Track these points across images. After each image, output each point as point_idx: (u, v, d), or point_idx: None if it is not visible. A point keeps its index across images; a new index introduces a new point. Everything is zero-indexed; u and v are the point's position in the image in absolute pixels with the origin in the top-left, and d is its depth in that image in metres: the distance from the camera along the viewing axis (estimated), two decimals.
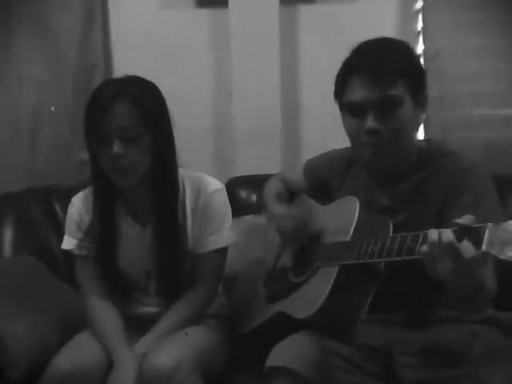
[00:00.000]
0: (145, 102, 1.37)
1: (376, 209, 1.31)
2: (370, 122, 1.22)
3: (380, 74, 1.21)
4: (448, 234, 0.97)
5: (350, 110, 1.27)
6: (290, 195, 1.60)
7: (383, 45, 1.28)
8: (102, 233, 1.48)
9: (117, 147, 1.35)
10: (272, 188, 1.61)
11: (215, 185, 1.51)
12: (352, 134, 1.29)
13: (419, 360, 1.20)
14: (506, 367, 1.09)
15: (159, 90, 1.44)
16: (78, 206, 1.52)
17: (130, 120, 1.35)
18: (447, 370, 1.15)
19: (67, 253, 1.55)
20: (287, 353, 1.19)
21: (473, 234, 0.95)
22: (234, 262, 1.57)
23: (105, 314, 1.46)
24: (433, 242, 0.98)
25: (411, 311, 1.28)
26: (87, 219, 1.50)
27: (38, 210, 2.04)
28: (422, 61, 1.32)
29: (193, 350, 1.33)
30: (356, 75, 1.24)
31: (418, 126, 1.32)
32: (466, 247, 0.94)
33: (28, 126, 2.28)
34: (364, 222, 1.25)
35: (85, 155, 2.19)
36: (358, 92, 1.24)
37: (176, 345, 1.33)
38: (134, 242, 1.49)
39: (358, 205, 1.27)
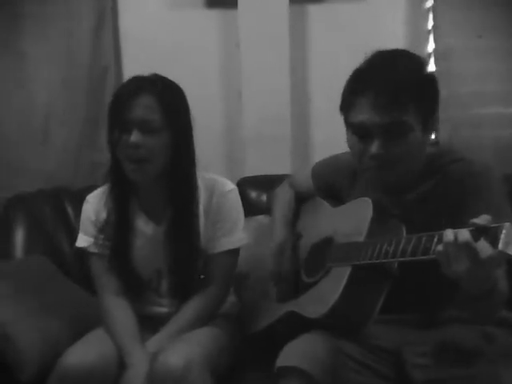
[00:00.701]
0: (167, 97, 1.40)
1: (388, 213, 1.31)
2: (375, 148, 1.19)
3: (388, 99, 1.15)
4: (464, 234, 0.96)
5: (356, 131, 1.23)
6: (300, 200, 1.62)
7: (394, 63, 1.20)
8: (117, 230, 1.49)
9: (135, 136, 1.37)
10: (281, 196, 1.63)
11: (228, 186, 1.52)
12: (356, 155, 1.26)
13: (431, 360, 1.20)
14: None
15: (182, 90, 1.46)
16: (94, 204, 1.53)
17: (151, 113, 1.38)
18: (458, 370, 1.14)
19: (79, 252, 1.57)
20: (298, 353, 1.18)
21: (489, 234, 0.94)
22: (245, 261, 1.57)
23: (119, 312, 1.47)
24: (449, 242, 0.98)
25: (423, 311, 1.28)
26: (102, 216, 1.51)
27: (48, 211, 2.06)
28: (435, 76, 1.24)
29: (203, 349, 1.33)
30: (363, 96, 1.19)
31: (426, 146, 1.26)
32: (483, 247, 0.94)
33: (40, 128, 2.29)
34: (378, 223, 1.24)
35: (96, 157, 2.25)
36: (364, 115, 1.19)
37: (186, 344, 1.34)
38: (148, 239, 1.50)
39: (371, 206, 1.26)
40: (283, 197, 1.63)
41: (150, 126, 1.38)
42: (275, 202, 1.63)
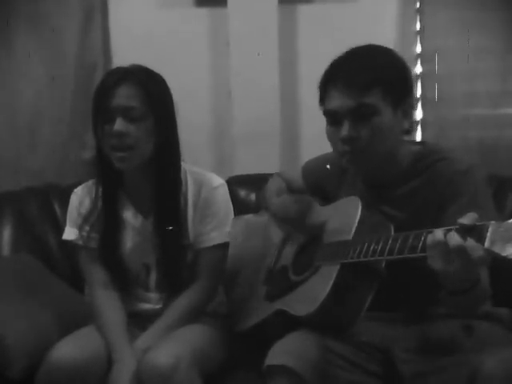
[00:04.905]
0: (150, 86, 1.41)
1: (376, 212, 1.32)
2: (345, 131, 1.24)
3: (352, 83, 1.21)
4: (455, 236, 0.97)
5: (328, 118, 1.28)
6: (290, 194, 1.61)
7: (361, 53, 1.28)
8: (105, 222, 1.48)
9: (119, 125, 1.37)
10: (274, 184, 1.63)
11: (217, 181, 1.53)
12: (331, 143, 1.31)
13: (416, 355, 1.21)
14: (497, 353, 1.09)
15: (163, 79, 1.47)
16: (81, 196, 1.53)
17: (134, 101, 1.39)
18: (442, 360, 1.16)
19: (66, 248, 1.56)
20: (286, 351, 1.19)
21: (475, 232, 0.95)
22: (234, 260, 1.57)
23: (108, 306, 1.47)
24: (438, 241, 0.99)
25: (412, 309, 1.29)
26: (89, 209, 1.50)
27: (36, 209, 2.04)
28: (407, 67, 1.30)
29: (192, 348, 1.34)
30: (332, 85, 1.26)
31: (403, 132, 1.30)
32: (474, 247, 0.95)
33: (27, 124, 2.28)
34: (366, 222, 1.25)
35: (84, 155, 2.24)
36: (333, 101, 1.25)
37: (175, 343, 1.34)
38: (137, 232, 1.51)
39: (360, 205, 1.27)
40: (276, 185, 1.62)
41: (133, 113, 1.38)
42: (269, 189, 1.62)
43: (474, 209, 1.01)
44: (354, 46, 1.29)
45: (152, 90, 1.41)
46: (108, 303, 1.47)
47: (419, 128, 2.28)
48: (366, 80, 1.21)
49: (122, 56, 2.28)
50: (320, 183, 1.52)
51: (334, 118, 1.27)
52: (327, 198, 1.47)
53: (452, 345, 1.17)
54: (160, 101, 1.43)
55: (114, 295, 1.49)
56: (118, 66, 1.50)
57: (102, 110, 1.39)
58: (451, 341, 1.19)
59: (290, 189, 1.61)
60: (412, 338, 1.25)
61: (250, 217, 1.80)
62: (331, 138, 1.30)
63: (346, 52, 1.29)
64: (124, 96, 1.38)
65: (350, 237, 1.24)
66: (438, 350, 1.19)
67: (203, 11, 2.31)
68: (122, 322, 1.45)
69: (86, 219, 1.50)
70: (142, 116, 1.39)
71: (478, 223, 0.97)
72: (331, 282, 1.19)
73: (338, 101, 1.24)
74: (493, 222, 0.94)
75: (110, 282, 1.50)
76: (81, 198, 1.53)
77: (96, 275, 1.50)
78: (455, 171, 1.24)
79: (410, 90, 1.29)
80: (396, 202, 1.30)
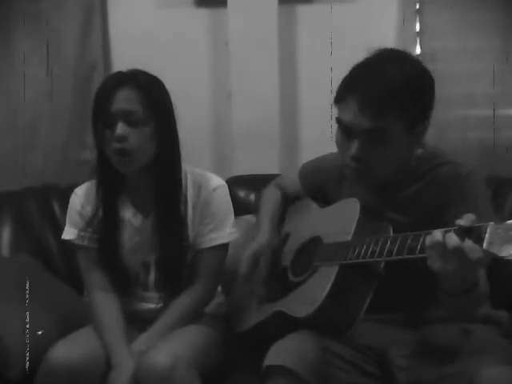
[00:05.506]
0: (150, 90, 1.41)
1: (375, 214, 1.32)
2: (355, 151, 1.21)
3: (369, 102, 1.17)
4: (452, 237, 0.97)
5: (341, 128, 1.25)
6: (287, 201, 1.62)
7: (388, 66, 1.21)
8: (105, 222, 1.48)
9: (121, 129, 1.37)
10: (268, 197, 1.63)
11: (217, 181, 1.53)
12: (339, 150, 1.29)
13: (412, 361, 1.21)
14: (494, 364, 1.09)
15: (163, 83, 1.47)
16: (81, 196, 1.53)
17: (134, 105, 1.39)
18: (438, 369, 1.15)
19: (66, 248, 1.55)
20: (285, 352, 1.19)
21: (474, 233, 0.96)
22: (233, 261, 1.57)
23: (107, 308, 1.46)
24: (437, 242, 0.99)
25: (410, 311, 1.29)
26: (90, 208, 1.50)
27: (35, 209, 2.05)
28: (431, 85, 1.25)
29: (190, 349, 1.34)
30: (352, 94, 1.20)
31: (412, 157, 1.28)
32: (472, 248, 0.95)
33: (27, 125, 2.28)
34: (364, 223, 1.26)
35: (83, 155, 2.25)
36: (348, 114, 1.21)
37: (173, 344, 1.34)
38: (136, 231, 1.50)
39: (358, 207, 1.28)
40: (270, 197, 1.63)
41: (134, 117, 1.38)
42: (262, 203, 1.63)
43: (474, 212, 1.02)
44: (382, 49, 1.24)
45: (152, 93, 1.41)
46: (106, 305, 1.47)
47: None
48: (383, 102, 1.16)
49: (122, 56, 2.30)
50: (319, 185, 1.51)
51: (346, 130, 1.23)
52: (326, 200, 1.47)
53: (449, 349, 1.17)
54: (160, 104, 1.43)
55: (113, 297, 1.48)
56: (118, 66, 1.50)
57: (102, 114, 1.39)
58: (449, 345, 1.19)
59: (287, 195, 1.62)
60: (409, 342, 1.25)
61: (249, 218, 1.80)
62: (340, 145, 1.27)
63: (372, 56, 1.23)
64: (124, 100, 1.38)
65: (349, 238, 1.24)
66: (436, 354, 1.19)
67: (203, 11, 2.31)
68: (121, 324, 1.44)
69: (86, 220, 1.50)
70: (143, 120, 1.39)
71: (476, 224, 0.97)
72: (330, 284, 1.19)
73: (352, 116, 1.19)
74: (491, 223, 0.94)
75: (109, 284, 1.49)
76: (81, 199, 1.53)
77: (94, 277, 1.50)
78: (456, 176, 1.25)
79: (427, 112, 1.24)
80: (397, 206, 1.30)
